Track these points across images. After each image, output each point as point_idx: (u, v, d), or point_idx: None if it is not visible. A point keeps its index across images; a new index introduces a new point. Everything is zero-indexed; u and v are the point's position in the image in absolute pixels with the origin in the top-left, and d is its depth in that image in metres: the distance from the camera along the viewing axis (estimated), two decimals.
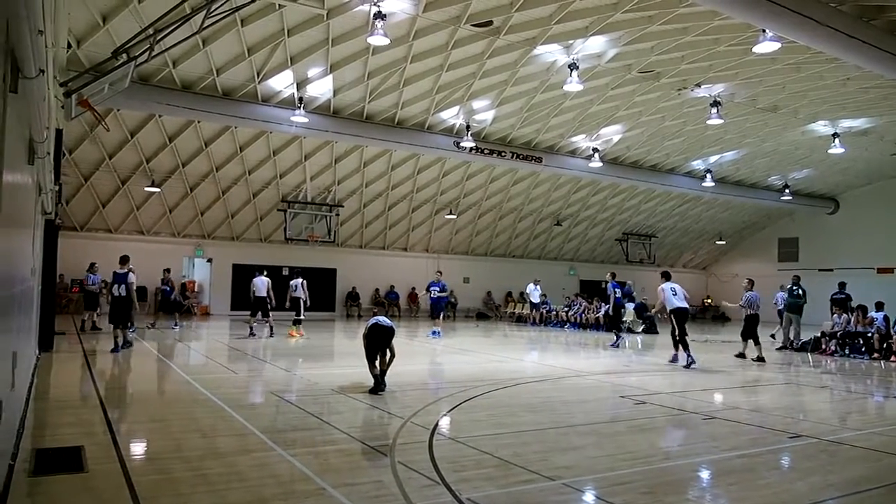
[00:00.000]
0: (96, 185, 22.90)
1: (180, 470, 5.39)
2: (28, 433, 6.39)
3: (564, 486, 5.18)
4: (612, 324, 19.57)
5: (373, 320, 9.69)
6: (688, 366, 13.67)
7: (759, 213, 37.32)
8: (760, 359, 15.04)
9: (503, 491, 5.01)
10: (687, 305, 14.80)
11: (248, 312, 18.38)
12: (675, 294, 14.68)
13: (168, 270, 18.57)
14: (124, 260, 13.91)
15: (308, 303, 18.68)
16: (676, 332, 14.33)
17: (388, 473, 5.32)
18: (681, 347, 14.23)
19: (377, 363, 9.45)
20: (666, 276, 15.14)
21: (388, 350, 9.57)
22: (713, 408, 9.23)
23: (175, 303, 19.51)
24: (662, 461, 6.04)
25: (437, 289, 19.90)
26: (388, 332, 9.54)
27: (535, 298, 27.18)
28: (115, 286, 13.40)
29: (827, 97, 21.34)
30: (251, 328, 17.94)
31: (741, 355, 15.68)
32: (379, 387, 9.26)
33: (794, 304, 18.57)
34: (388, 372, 9.43)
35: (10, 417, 4.92)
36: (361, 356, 9.47)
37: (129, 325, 14.26)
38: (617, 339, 18.54)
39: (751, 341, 15.50)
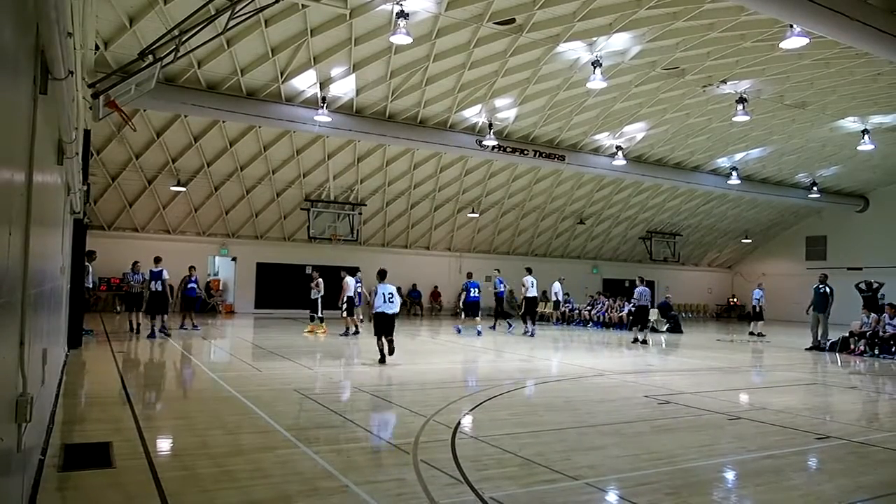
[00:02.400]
0: (123, 184, 23.24)
1: (206, 466, 5.45)
2: (57, 429, 6.51)
3: (587, 485, 5.15)
4: (500, 314, 22.57)
5: (378, 308, 12.11)
6: (529, 334, 19.85)
7: (786, 211, 36.75)
8: (644, 342, 18.41)
9: (525, 490, 4.99)
10: (537, 295, 21.37)
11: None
12: (532, 286, 20.59)
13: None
14: (158, 259, 16.44)
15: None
16: (527, 313, 20.78)
17: (411, 471, 5.33)
18: (529, 322, 20.50)
19: (384, 340, 12.25)
20: (529, 271, 21.20)
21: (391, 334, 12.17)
22: (739, 408, 9.11)
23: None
24: (687, 462, 5.98)
25: (476, 289, 20.53)
26: (390, 319, 12.17)
27: (561, 297, 26.93)
28: (153, 282, 16.11)
29: (856, 93, 20.94)
30: (351, 330, 18.28)
31: (643, 342, 18.41)
32: (383, 360, 12.20)
33: (821, 303, 18.33)
34: (412, 370, 9.81)
35: (40, 413, 5.02)
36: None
37: (164, 315, 16.63)
38: (510, 326, 21.49)
39: (638, 327, 18.94)
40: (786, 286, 24.30)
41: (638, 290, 19.54)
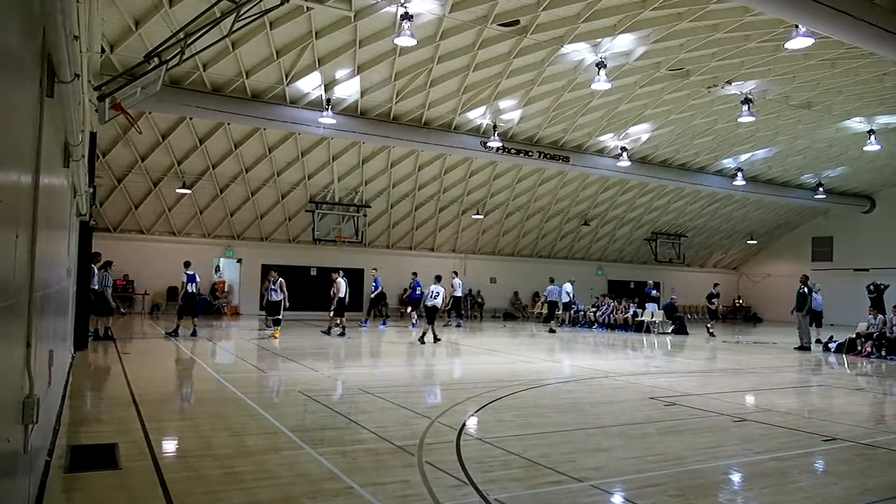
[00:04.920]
0: (129, 186, 23.31)
1: (211, 468, 5.46)
2: (64, 430, 6.53)
3: (593, 487, 5.13)
4: (455, 313, 25.45)
5: (426, 301, 17.85)
6: (457, 325, 24.41)
7: (791, 212, 36.63)
8: (552, 330, 21.33)
9: (531, 492, 4.99)
10: (461, 294, 25.12)
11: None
12: (461, 286, 24.68)
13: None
14: (188, 264, 17.20)
15: (287, 304, 18.72)
16: (453, 310, 24.75)
17: (416, 473, 5.33)
18: (455, 316, 25.16)
19: (432, 326, 17.51)
20: (455, 274, 25.00)
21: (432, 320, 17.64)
22: (745, 410, 9.08)
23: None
24: (693, 463, 5.96)
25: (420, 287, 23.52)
26: (431, 310, 17.63)
27: (565, 298, 26.47)
28: (190, 284, 17.06)
29: (862, 93, 20.87)
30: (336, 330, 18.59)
31: (552, 331, 21.54)
32: (436, 339, 17.40)
33: (799, 303, 18.66)
34: (417, 371, 9.74)
35: (46, 415, 5.02)
36: (388, 356, 9.93)
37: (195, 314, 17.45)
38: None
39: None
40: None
41: (548, 289, 24.72)
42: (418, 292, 22.92)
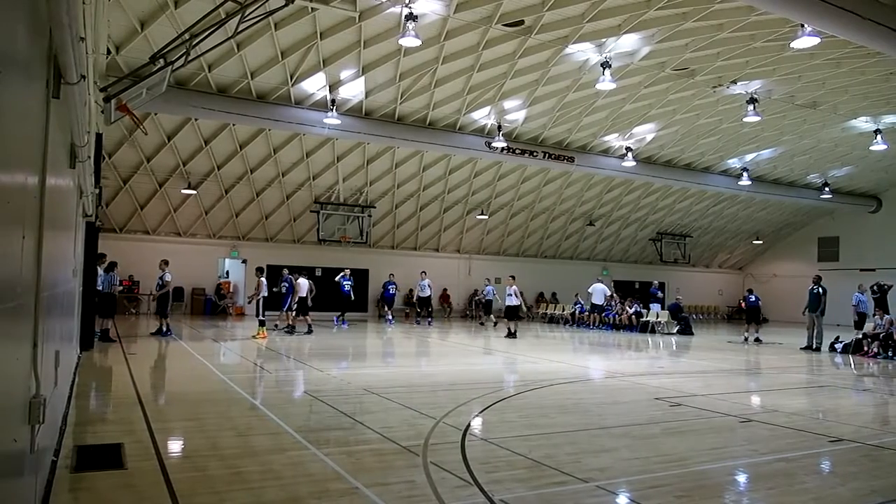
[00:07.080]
0: (135, 187, 23.39)
1: (216, 468, 5.47)
2: (70, 430, 6.55)
3: (598, 488, 5.13)
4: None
5: (510, 301, 20.10)
6: (416, 323, 25.19)
7: (797, 212, 36.50)
8: (482, 324, 21.70)
9: (535, 492, 4.98)
10: (429, 295, 25.31)
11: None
12: (426, 287, 25.05)
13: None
14: (168, 262, 17.06)
15: (251, 302, 18.94)
16: (421, 307, 25.47)
17: (421, 473, 5.33)
18: (427, 317, 25.35)
19: (511, 323, 19.92)
20: (424, 273, 25.14)
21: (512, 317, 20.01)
22: (751, 410, 9.06)
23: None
24: (698, 464, 5.94)
25: (393, 287, 25.71)
26: (510, 309, 20.29)
27: (600, 300, 25.66)
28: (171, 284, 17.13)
29: (869, 92, 20.80)
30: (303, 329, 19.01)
31: (482, 324, 22.69)
32: (509, 335, 19.45)
33: (814, 304, 18.42)
34: (421, 371, 9.82)
35: (53, 415, 5.05)
36: (391, 356, 9.94)
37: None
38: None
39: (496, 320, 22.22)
40: (797, 288, 24.00)
41: (486, 288, 26.57)
42: (391, 291, 25.49)
